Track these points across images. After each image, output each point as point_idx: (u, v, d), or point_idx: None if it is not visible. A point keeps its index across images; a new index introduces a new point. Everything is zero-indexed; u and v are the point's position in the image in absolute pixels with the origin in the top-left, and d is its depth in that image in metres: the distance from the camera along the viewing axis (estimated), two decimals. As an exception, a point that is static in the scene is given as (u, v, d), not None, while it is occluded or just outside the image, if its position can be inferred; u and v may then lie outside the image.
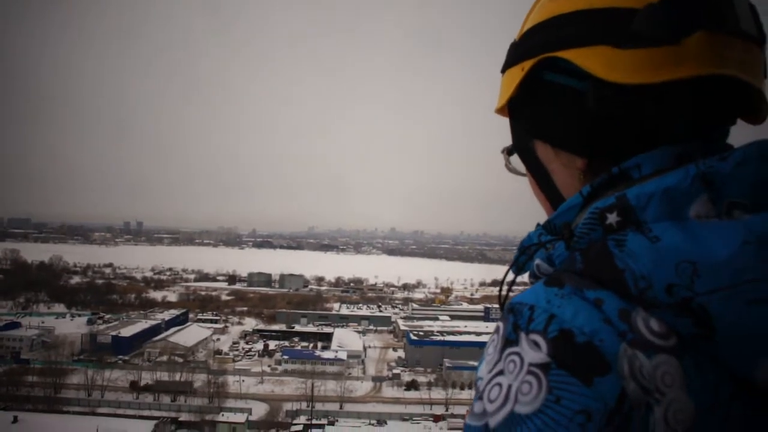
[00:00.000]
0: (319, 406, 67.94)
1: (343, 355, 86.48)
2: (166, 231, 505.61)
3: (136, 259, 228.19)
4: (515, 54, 0.88)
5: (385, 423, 64.66)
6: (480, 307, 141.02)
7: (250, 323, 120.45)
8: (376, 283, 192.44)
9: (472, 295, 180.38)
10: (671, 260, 0.61)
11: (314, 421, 62.80)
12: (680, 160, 0.71)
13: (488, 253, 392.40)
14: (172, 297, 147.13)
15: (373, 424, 63.70)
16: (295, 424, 61.90)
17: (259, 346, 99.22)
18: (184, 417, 64.40)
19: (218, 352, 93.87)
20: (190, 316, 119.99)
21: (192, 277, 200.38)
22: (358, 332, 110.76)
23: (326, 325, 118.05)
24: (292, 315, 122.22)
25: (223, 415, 63.14)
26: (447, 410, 69.39)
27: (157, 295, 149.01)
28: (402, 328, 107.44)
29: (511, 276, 0.86)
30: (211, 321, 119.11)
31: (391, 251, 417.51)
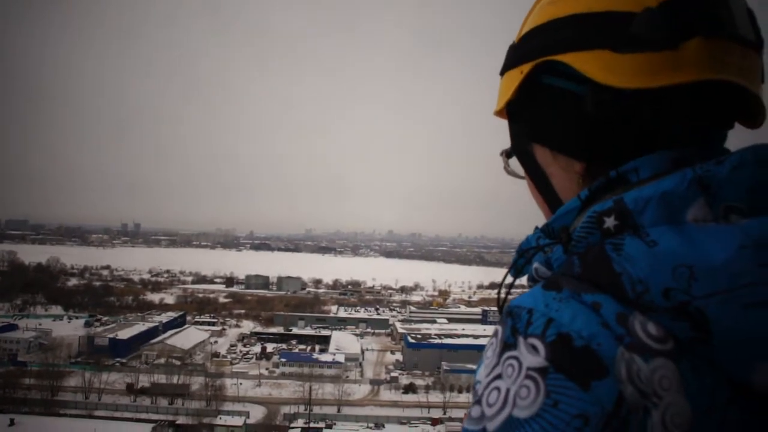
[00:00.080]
0: (316, 409, 68.01)
1: (340, 358, 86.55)
2: (163, 233, 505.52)
3: (134, 261, 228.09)
4: (514, 57, 0.88)
5: (383, 426, 64.64)
6: (478, 309, 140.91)
7: (248, 326, 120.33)
8: (373, 286, 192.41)
9: (470, 297, 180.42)
10: (668, 264, 0.61)
11: (312, 425, 62.76)
12: (677, 164, 0.71)
13: (486, 255, 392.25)
14: (170, 299, 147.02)
15: (371, 428, 63.69)
16: (293, 428, 61.90)
17: (257, 348, 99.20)
18: (181, 420, 64.29)
19: (216, 354, 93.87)
20: (188, 318, 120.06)
21: (189, 279, 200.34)
22: (356, 335, 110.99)
23: (324, 327, 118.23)
24: (289, 318, 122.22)
25: (220, 418, 63.12)
26: (445, 413, 69.32)
27: (154, 297, 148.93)
28: (400, 330, 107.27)
29: (509, 279, 0.86)
30: (209, 323, 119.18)
31: (389, 254, 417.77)
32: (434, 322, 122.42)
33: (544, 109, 0.84)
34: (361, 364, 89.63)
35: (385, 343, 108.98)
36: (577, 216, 0.76)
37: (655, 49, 0.70)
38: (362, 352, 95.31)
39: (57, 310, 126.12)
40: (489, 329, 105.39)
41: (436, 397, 73.09)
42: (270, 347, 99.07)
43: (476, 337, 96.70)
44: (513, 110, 0.92)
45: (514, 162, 0.97)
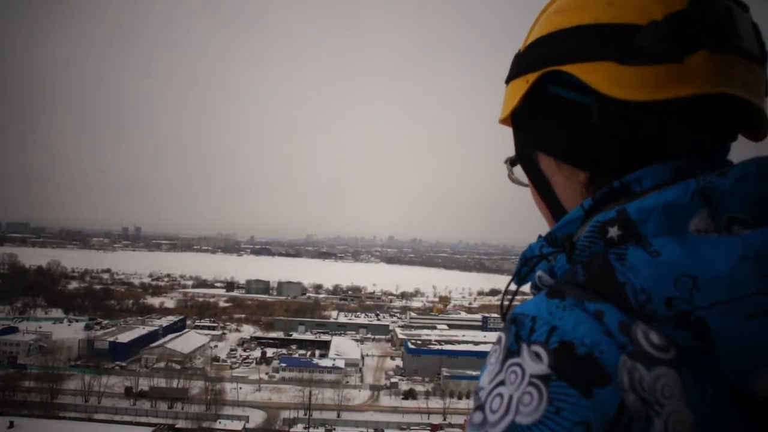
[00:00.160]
0: (316, 415, 67.89)
1: (340, 364, 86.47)
2: (164, 237, 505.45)
3: (134, 265, 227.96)
4: (519, 66, 0.89)
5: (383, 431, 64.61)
6: (478, 316, 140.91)
7: (248, 330, 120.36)
8: (374, 292, 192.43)
9: (470, 304, 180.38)
10: (671, 274, 0.62)
11: (311, 430, 62.83)
12: (680, 175, 0.72)
13: (487, 262, 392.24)
14: (170, 303, 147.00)
15: (370, 433, 63.59)
16: (292, 432, 61.89)
17: (257, 353, 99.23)
18: (181, 424, 64.34)
19: (216, 359, 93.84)
20: (188, 322, 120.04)
21: (190, 283, 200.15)
22: (356, 340, 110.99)
23: (324, 333, 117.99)
24: (289, 323, 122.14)
25: (220, 422, 63.16)
26: (445, 419, 69.31)
27: (154, 301, 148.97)
28: (400, 336, 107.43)
29: (513, 287, 0.87)
30: (209, 328, 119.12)
31: (390, 259, 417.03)
32: (434, 328, 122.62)
33: (549, 119, 0.84)
34: (361, 370, 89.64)
35: (385, 349, 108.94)
36: (580, 225, 0.77)
37: (661, 62, 0.71)
38: (362, 357, 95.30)
39: (57, 313, 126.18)
40: (489, 336, 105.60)
41: (435, 403, 73.05)
42: (270, 352, 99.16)
43: (476, 343, 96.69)
44: (518, 119, 0.93)
45: (519, 169, 0.98)
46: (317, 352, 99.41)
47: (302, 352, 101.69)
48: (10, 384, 68.20)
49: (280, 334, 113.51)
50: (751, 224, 0.66)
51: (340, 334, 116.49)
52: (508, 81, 0.93)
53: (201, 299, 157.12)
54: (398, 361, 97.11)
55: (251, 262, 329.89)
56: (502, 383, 0.63)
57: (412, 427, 66.80)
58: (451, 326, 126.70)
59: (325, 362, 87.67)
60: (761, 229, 0.65)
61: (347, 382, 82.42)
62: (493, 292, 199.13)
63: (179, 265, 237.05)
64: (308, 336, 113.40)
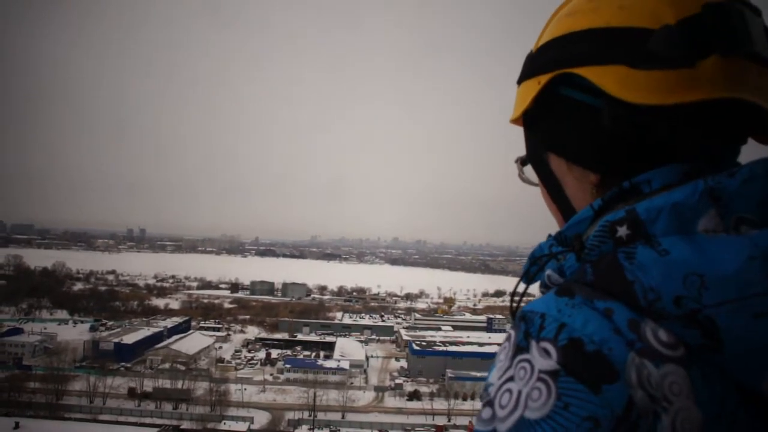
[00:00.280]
0: (321, 416, 67.89)
1: (345, 365, 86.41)
2: (169, 238, 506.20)
3: (139, 266, 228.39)
4: (531, 67, 0.89)
5: (387, 433, 64.51)
6: (483, 317, 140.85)
7: (253, 332, 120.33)
8: (378, 293, 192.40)
9: (474, 305, 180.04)
10: (680, 273, 0.62)
11: (316, 431, 62.68)
12: (689, 177, 0.72)
13: (491, 263, 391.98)
14: (175, 305, 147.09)
15: (375, 434, 63.52)
16: (297, 434, 61.86)
17: (262, 354, 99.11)
18: (185, 425, 64.37)
19: (220, 360, 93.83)
20: (193, 323, 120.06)
21: (194, 284, 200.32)
22: (361, 342, 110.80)
23: (329, 334, 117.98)
24: (294, 324, 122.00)
25: (224, 423, 63.18)
26: (449, 421, 69.26)
27: (159, 302, 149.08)
28: (404, 337, 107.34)
29: (522, 286, 0.87)
30: (214, 329, 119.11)
31: (394, 261, 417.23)
32: (439, 329, 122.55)
33: (560, 120, 0.85)
34: (365, 371, 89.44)
35: (389, 350, 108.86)
36: (590, 225, 0.78)
37: (672, 66, 0.71)
38: (367, 358, 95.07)
39: (62, 314, 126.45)
40: (494, 337, 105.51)
41: (440, 404, 72.97)
42: (275, 353, 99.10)
43: (481, 344, 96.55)
44: (529, 119, 0.94)
45: (529, 169, 0.99)
46: (322, 354, 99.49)
47: (307, 353, 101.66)
48: (16, 385, 68.36)
49: (284, 336, 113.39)
50: (759, 224, 0.67)
51: (344, 336, 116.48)
52: (519, 82, 0.93)
53: (206, 300, 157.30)
54: (403, 363, 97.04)
55: (256, 263, 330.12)
56: (511, 379, 0.64)
57: (416, 429, 66.69)
58: (455, 327, 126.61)
59: (329, 363, 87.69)
60: None
61: (352, 383, 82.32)
62: (498, 294, 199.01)
63: (184, 267, 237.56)
64: (313, 337, 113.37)
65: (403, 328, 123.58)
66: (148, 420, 65.96)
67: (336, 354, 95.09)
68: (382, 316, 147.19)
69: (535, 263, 0.84)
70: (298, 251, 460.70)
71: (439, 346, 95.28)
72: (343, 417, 69.65)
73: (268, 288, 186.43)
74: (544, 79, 0.84)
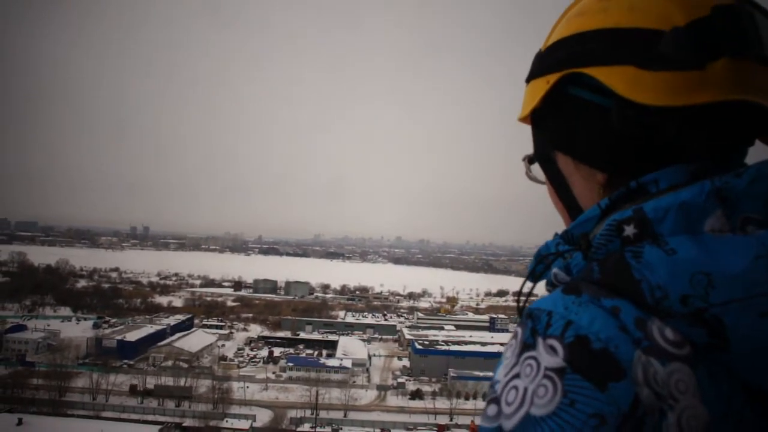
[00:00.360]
0: (323, 414, 67.99)
1: (347, 363, 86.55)
2: (172, 236, 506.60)
3: (143, 264, 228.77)
4: (540, 66, 0.89)
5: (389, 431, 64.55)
6: (485, 317, 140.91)
7: (255, 330, 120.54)
8: (381, 292, 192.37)
9: (477, 305, 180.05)
10: (687, 272, 0.62)
11: (318, 429, 62.83)
12: (696, 177, 0.73)
13: (494, 263, 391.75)
14: (178, 302, 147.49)
15: (377, 433, 63.54)
16: (299, 432, 61.92)
17: (264, 352, 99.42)
18: (188, 422, 64.40)
19: (223, 358, 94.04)
20: (196, 321, 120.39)
21: (198, 282, 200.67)
22: (363, 340, 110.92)
23: (331, 332, 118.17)
24: (297, 322, 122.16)
25: (227, 421, 63.22)
26: (451, 420, 69.27)
27: (162, 300, 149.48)
28: (407, 337, 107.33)
29: (528, 283, 0.87)
30: (217, 327, 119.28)
31: (397, 260, 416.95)
32: (442, 328, 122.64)
33: (568, 119, 0.85)
34: (368, 370, 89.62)
35: (392, 349, 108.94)
36: (596, 224, 0.77)
37: (682, 68, 0.71)
38: (369, 357, 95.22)
39: (66, 311, 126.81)
40: (497, 337, 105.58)
41: (442, 403, 73.04)
42: (277, 351, 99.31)
43: (483, 344, 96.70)
44: (538, 118, 0.94)
45: (536, 167, 0.99)
46: (324, 352, 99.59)
47: (309, 351, 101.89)
48: (19, 381, 68.79)
49: (287, 334, 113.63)
50: (766, 224, 0.67)
51: (347, 334, 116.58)
52: (528, 80, 0.93)
53: (209, 298, 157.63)
54: (405, 362, 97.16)
55: (259, 261, 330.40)
56: (517, 376, 0.64)
57: (418, 428, 66.70)
58: (458, 327, 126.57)
59: (332, 362, 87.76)
60: None
61: (354, 381, 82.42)
62: (501, 294, 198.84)
63: (187, 265, 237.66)
64: (315, 336, 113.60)
65: (406, 327, 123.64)
66: (150, 417, 66.03)
67: (338, 353, 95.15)
68: (384, 315, 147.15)
69: (542, 261, 0.84)
70: (301, 250, 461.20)
71: (442, 345, 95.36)
72: (345, 415, 69.82)
73: (271, 286, 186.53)
74: (553, 78, 0.85)
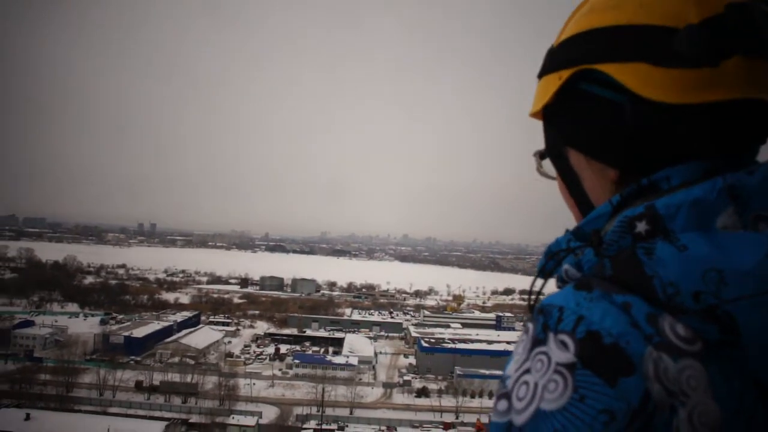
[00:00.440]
0: (329, 411, 67.91)
1: (354, 361, 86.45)
2: (179, 233, 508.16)
3: (149, 261, 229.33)
4: (552, 62, 0.89)
5: (395, 429, 64.41)
6: (492, 315, 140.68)
7: (262, 327, 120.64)
8: (388, 290, 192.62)
9: (484, 303, 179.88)
10: (699, 268, 0.63)
11: (324, 426, 62.69)
12: (708, 174, 0.73)
13: (501, 261, 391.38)
14: (185, 299, 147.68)
15: (383, 430, 63.46)
16: (305, 429, 61.93)
17: (271, 349, 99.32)
18: (194, 419, 64.44)
19: (229, 354, 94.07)
20: (202, 318, 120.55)
21: (204, 279, 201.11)
22: (370, 338, 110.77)
23: (338, 330, 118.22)
24: (303, 319, 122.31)
25: (233, 417, 63.18)
26: (457, 418, 69.11)
27: (169, 296, 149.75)
28: (413, 334, 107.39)
29: (539, 280, 0.87)
30: (223, 324, 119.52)
31: (404, 258, 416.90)
32: (448, 326, 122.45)
33: (581, 116, 0.85)
34: (374, 367, 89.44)
35: (398, 347, 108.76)
36: (608, 220, 0.77)
37: (696, 65, 0.71)
38: (375, 355, 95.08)
39: (73, 307, 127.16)
40: (503, 335, 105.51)
41: (448, 401, 72.85)
42: (284, 348, 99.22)
43: (490, 342, 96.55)
44: (550, 114, 0.93)
45: (547, 163, 0.99)
46: (331, 349, 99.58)
47: (316, 348, 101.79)
48: (27, 377, 68.94)
49: (293, 331, 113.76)
50: None
51: (353, 332, 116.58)
52: (540, 76, 0.93)
53: (215, 295, 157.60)
54: (411, 359, 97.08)
55: (266, 259, 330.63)
56: (528, 371, 0.65)
57: (424, 425, 66.56)
58: (464, 325, 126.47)
59: (338, 359, 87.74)
60: None
61: (360, 379, 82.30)
62: (507, 292, 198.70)
63: (194, 261, 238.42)
64: (322, 333, 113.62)
65: (412, 325, 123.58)
66: (157, 413, 66.06)
67: (345, 350, 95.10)
68: (391, 313, 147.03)
69: (553, 258, 0.84)
70: (308, 247, 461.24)
71: (448, 343, 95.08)
72: (351, 413, 69.78)
73: (278, 283, 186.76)
74: (565, 74, 0.84)
